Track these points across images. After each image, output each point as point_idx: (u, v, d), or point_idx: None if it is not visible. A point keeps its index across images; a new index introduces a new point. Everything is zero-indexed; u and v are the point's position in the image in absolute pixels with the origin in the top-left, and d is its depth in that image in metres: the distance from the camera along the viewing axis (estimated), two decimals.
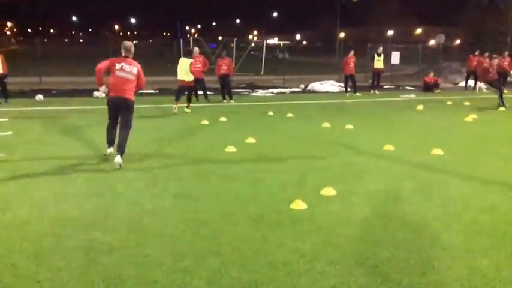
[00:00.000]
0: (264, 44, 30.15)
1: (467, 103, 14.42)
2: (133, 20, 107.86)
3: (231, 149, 7.54)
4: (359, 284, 3.32)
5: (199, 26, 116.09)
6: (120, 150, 6.45)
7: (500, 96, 12.82)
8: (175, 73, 13.02)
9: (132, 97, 6.77)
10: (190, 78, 11.93)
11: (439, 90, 18.42)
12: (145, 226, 4.31)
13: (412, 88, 20.30)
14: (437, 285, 3.31)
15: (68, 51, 44.46)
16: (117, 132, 6.78)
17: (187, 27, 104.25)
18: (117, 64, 6.64)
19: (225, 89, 14.50)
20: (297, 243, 3.96)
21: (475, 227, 4.39)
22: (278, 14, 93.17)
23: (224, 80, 14.32)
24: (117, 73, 6.61)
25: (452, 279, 3.39)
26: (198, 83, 14.45)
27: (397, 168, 6.54)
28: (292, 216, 4.62)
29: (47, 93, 16.19)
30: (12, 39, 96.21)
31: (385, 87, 21.01)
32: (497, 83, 13.05)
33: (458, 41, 63.70)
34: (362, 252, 3.81)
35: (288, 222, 4.44)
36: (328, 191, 5.34)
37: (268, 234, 4.16)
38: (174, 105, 11.69)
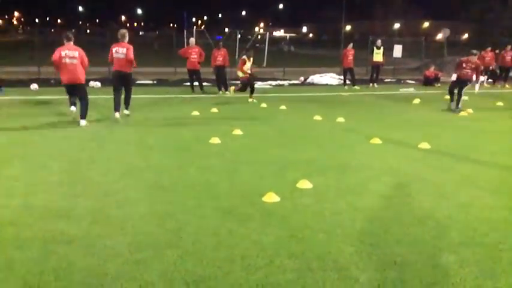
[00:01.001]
0: (267, 36, 29.93)
1: (465, 97, 14.14)
2: (139, 11, 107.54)
3: (215, 140, 7.46)
4: (315, 279, 3.24)
5: (205, 18, 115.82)
6: (126, 105, 9.53)
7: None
8: (174, 64, 12.94)
9: (129, 70, 9.27)
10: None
11: (439, 84, 18.19)
12: (111, 217, 4.24)
13: (413, 82, 20.07)
14: (395, 282, 3.22)
15: (76, 42, 44.37)
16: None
17: (193, 19, 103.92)
18: (114, 48, 9.15)
19: (221, 80, 14.38)
20: (261, 237, 3.89)
21: (447, 222, 4.29)
22: (285, 6, 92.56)
23: (219, 71, 14.20)
24: (115, 55, 9.11)
25: (412, 276, 3.30)
26: (194, 74, 14.40)
27: (379, 162, 6.43)
28: (263, 209, 4.54)
29: (44, 83, 16.19)
30: (20, 29, 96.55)
31: (386, 80, 20.79)
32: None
33: (466, 35, 63.12)
34: (325, 247, 3.73)
35: (257, 215, 4.37)
36: (304, 184, 5.25)
37: (234, 227, 4.08)
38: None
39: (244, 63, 12.18)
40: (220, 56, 14.16)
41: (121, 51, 9.03)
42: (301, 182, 5.30)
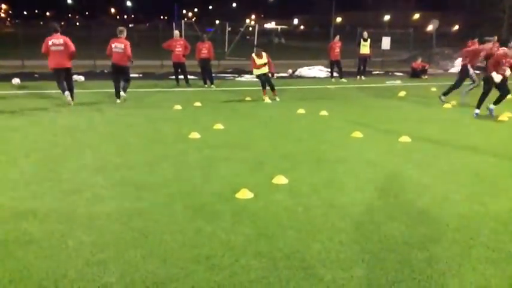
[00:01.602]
0: (256, 28, 29.73)
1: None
2: (129, 3, 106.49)
3: (195, 135, 7.35)
4: (280, 278, 3.17)
5: (196, 10, 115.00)
6: (124, 89, 10.74)
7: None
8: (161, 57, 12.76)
9: (126, 63, 10.71)
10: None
11: (426, 77, 18.17)
12: (77, 216, 4.14)
13: (401, 74, 20.04)
14: (361, 280, 3.16)
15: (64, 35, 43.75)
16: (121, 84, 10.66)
17: (184, 11, 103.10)
18: (113, 44, 10.58)
19: (206, 73, 14.23)
20: (230, 236, 3.81)
21: (420, 218, 4.24)
22: None
23: (204, 63, 14.05)
24: (114, 49, 10.56)
25: (379, 274, 3.24)
26: (179, 67, 14.24)
27: (357, 156, 6.37)
28: (235, 206, 4.46)
29: (28, 76, 15.97)
30: (8, 22, 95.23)
31: (374, 73, 20.74)
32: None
33: (456, 27, 63.06)
34: (294, 245, 3.66)
35: (228, 213, 4.28)
36: (280, 180, 5.18)
37: (203, 225, 4.00)
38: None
39: (254, 61, 11.49)
40: (205, 49, 14.01)
41: (119, 46, 10.46)
42: (277, 177, 5.22)
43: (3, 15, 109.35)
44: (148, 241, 3.68)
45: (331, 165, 5.91)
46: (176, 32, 14.22)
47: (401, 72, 20.77)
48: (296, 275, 3.21)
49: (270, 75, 11.62)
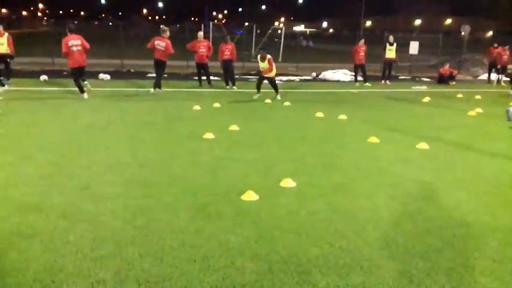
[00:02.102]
0: (283, 31, 29.72)
1: (478, 96, 13.83)
2: (160, 4, 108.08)
3: (209, 135, 7.38)
4: (273, 282, 3.14)
5: (226, 12, 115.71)
6: (155, 85, 12.29)
7: None
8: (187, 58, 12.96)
9: (165, 59, 12.04)
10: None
11: (454, 83, 17.73)
12: (82, 212, 4.21)
13: (428, 80, 19.62)
14: None
15: (95, 34, 44.73)
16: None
17: (214, 13, 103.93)
18: (156, 41, 11.82)
19: (228, 74, 14.27)
20: (229, 236, 3.80)
21: (427, 226, 4.13)
22: (305, 1, 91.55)
23: (227, 65, 14.09)
24: (157, 46, 11.81)
25: (375, 283, 3.17)
26: (202, 68, 14.34)
27: (370, 162, 6.26)
28: (239, 207, 4.45)
29: (56, 74, 16.38)
30: (44, 21, 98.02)
31: (400, 77, 20.39)
32: None
33: (490, 33, 61.50)
34: (292, 248, 3.62)
35: (231, 214, 4.27)
36: (287, 183, 5.14)
37: (204, 225, 4.00)
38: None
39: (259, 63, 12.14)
40: (227, 50, 14.06)
41: (162, 44, 11.76)
42: (285, 180, 5.18)
43: (40, 14, 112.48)
44: (148, 239, 3.70)
45: (342, 170, 5.83)
46: (200, 33, 14.31)
47: (428, 77, 20.34)
48: (290, 280, 3.17)
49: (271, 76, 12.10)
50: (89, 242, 3.61)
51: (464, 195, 5.00)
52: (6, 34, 12.74)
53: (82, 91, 11.06)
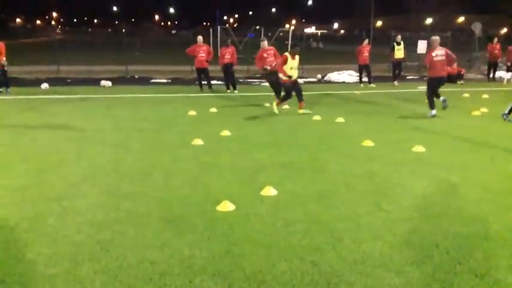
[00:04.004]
0: (290, 33, 29.47)
1: (485, 96, 13.42)
2: (172, 10, 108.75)
3: (198, 142, 7.20)
4: None
5: (236, 16, 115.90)
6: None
7: None
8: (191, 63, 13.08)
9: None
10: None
11: (462, 82, 17.27)
12: (48, 225, 4.04)
13: None
14: None
15: (107, 42, 45.10)
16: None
17: (225, 17, 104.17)
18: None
19: (229, 78, 14.10)
20: (194, 251, 3.59)
21: (408, 237, 3.87)
22: (316, 3, 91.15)
23: (227, 69, 13.91)
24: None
25: None
26: (202, 73, 14.20)
27: (360, 166, 6.00)
28: (212, 219, 4.24)
29: (60, 81, 16.42)
30: (58, 30, 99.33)
31: (408, 77, 20.02)
32: None
33: (505, 30, 60.30)
34: (259, 263, 3.39)
35: (202, 226, 4.07)
36: (268, 191, 4.92)
37: (171, 239, 3.80)
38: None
39: (285, 61, 9.71)
40: (228, 54, 13.88)
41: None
42: (266, 188, 4.96)
43: (54, 22, 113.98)
44: (107, 255, 3.51)
45: (330, 176, 5.58)
46: (200, 38, 14.16)
47: None
48: None
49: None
50: (45, 259, 3.43)
51: (456, 203, 4.72)
52: None
53: None
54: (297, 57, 9.91)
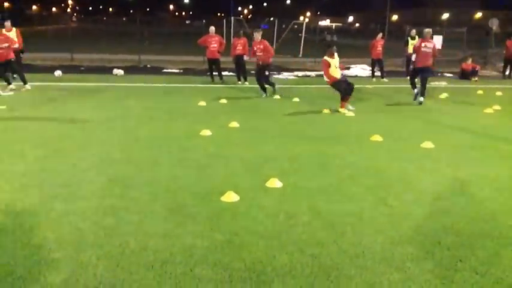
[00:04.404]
0: (304, 25, 29.31)
1: (499, 93, 13.23)
2: (186, 0, 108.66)
3: (206, 132, 7.22)
4: None
5: (251, 7, 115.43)
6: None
7: None
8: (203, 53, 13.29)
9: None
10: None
11: (476, 79, 17.02)
12: (53, 211, 4.10)
13: (450, 75, 18.96)
14: None
15: (122, 31, 45.18)
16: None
17: (239, 8, 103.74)
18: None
19: (240, 69, 14.07)
20: (196, 241, 3.62)
21: (410, 233, 3.85)
22: None
23: (239, 60, 13.87)
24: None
25: None
26: (214, 63, 14.19)
27: (367, 161, 5.97)
28: (215, 208, 4.27)
29: (73, 69, 16.56)
30: (74, 17, 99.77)
31: None
32: None
33: None
34: (259, 255, 3.41)
35: (204, 216, 4.09)
36: (273, 183, 4.93)
37: (174, 228, 3.83)
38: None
39: (328, 65, 9.39)
40: (240, 45, 13.84)
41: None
42: (271, 180, 4.97)
43: (69, 10, 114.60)
44: (111, 242, 3.55)
45: (336, 170, 5.57)
46: (212, 28, 14.14)
47: (451, 73, 19.66)
48: None
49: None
50: (50, 244, 3.48)
51: (461, 199, 4.68)
52: (14, 29, 12.76)
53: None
54: (335, 55, 9.55)
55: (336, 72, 9.52)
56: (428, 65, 10.73)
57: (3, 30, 11.88)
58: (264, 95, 11.45)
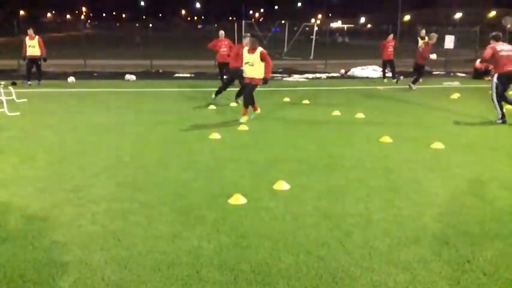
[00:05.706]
0: (315, 27, 29.32)
1: None
2: (198, 5, 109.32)
3: (215, 136, 7.26)
4: None
5: (262, 10, 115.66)
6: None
7: None
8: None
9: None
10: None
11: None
12: (64, 214, 4.17)
13: (463, 75, 18.78)
14: None
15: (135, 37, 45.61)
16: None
17: (250, 12, 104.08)
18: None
19: None
20: (203, 243, 3.65)
21: (418, 234, 3.83)
22: None
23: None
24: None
25: None
26: (224, 67, 14.23)
27: (376, 162, 5.95)
28: (222, 211, 4.30)
29: (86, 75, 16.77)
30: (88, 24, 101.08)
31: (435, 73, 19.66)
32: None
33: None
34: (265, 256, 3.43)
35: (212, 218, 4.13)
36: (281, 185, 4.94)
37: (182, 231, 3.87)
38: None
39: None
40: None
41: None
42: (279, 183, 4.99)
43: (83, 17, 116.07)
44: (119, 245, 3.60)
45: (344, 172, 5.56)
46: (221, 32, 14.18)
47: (464, 73, 19.47)
48: None
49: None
50: (59, 247, 3.55)
51: (469, 199, 4.65)
52: (37, 37, 13.20)
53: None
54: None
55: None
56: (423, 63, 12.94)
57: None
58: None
